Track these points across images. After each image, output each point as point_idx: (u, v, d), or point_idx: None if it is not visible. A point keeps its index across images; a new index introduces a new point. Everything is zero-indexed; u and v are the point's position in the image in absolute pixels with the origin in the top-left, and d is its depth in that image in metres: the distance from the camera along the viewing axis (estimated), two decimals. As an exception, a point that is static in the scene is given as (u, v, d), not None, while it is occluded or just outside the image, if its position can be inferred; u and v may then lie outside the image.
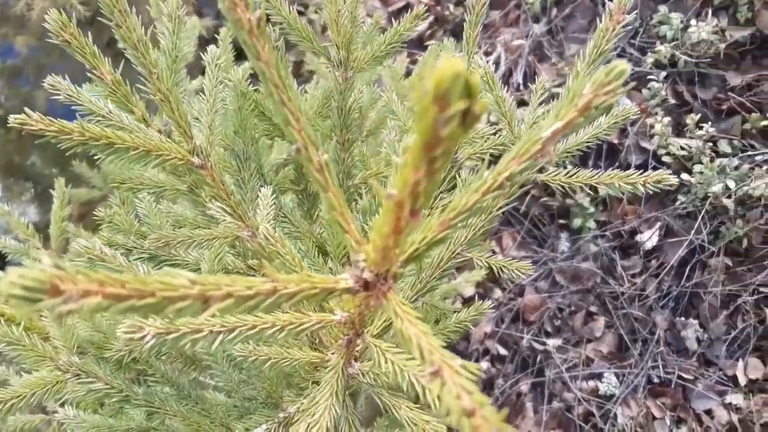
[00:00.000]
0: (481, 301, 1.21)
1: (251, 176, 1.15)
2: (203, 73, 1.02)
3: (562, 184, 0.90)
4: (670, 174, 0.86)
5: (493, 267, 0.96)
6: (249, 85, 1.14)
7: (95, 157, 0.80)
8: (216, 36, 1.61)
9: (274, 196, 0.97)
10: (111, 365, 1.11)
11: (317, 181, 0.68)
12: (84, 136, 0.75)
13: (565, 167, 0.91)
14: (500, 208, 0.95)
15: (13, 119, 0.73)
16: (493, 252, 2.81)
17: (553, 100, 0.86)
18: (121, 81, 1.00)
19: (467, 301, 2.78)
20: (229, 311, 0.51)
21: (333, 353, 0.93)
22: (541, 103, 1.03)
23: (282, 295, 0.55)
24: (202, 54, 1.00)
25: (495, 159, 0.68)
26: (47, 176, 2.85)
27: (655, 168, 0.87)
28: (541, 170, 0.93)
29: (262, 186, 1.10)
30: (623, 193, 0.87)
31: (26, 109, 0.73)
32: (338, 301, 0.84)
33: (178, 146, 0.84)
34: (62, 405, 1.22)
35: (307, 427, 0.85)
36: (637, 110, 0.96)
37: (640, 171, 0.87)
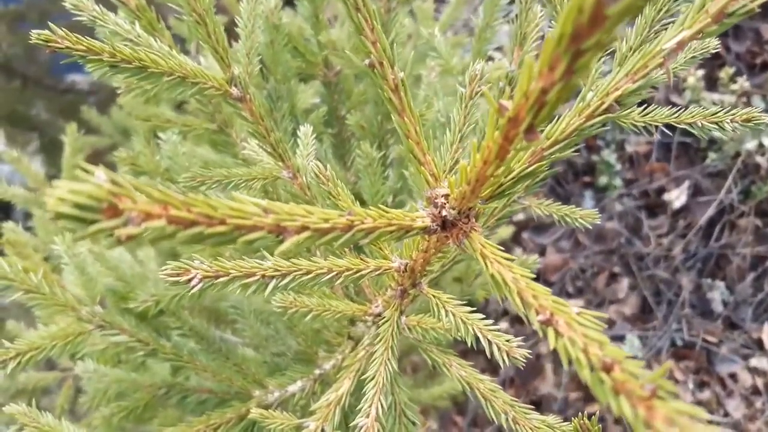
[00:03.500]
0: (527, 256, 1.13)
1: (284, 117, 1.07)
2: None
3: (635, 123, 0.82)
4: (761, 112, 0.78)
5: (554, 215, 0.88)
6: (281, 15, 1.04)
7: (107, 101, 0.72)
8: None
9: (314, 135, 0.89)
10: (135, 317, 1.04)
11: (390, 103, 0.60)
12: (115, 57, 0.66)
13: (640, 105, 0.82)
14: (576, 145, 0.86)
15: (35, 35, 0.64)
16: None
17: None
18: (145, 6, 0.91)
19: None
20: (305, 246, 0.43)
21: (378, 306, 0.86)
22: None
23: (359, 230, 0.47)
24: None
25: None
26: (53, 126, 2.74)
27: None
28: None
29: (296, 128, 1.02)
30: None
31: (51, 24, 0.64)
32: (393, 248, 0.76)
33: (215, 75, 0.75)
34: (80, 359, 1.16)
35: (353, 383, 0.79)
36: (717, 43, 0.86)
37: (726, 108, 0.79)
